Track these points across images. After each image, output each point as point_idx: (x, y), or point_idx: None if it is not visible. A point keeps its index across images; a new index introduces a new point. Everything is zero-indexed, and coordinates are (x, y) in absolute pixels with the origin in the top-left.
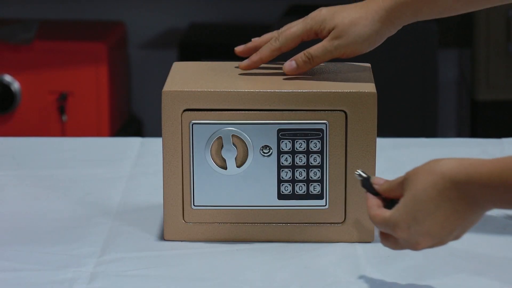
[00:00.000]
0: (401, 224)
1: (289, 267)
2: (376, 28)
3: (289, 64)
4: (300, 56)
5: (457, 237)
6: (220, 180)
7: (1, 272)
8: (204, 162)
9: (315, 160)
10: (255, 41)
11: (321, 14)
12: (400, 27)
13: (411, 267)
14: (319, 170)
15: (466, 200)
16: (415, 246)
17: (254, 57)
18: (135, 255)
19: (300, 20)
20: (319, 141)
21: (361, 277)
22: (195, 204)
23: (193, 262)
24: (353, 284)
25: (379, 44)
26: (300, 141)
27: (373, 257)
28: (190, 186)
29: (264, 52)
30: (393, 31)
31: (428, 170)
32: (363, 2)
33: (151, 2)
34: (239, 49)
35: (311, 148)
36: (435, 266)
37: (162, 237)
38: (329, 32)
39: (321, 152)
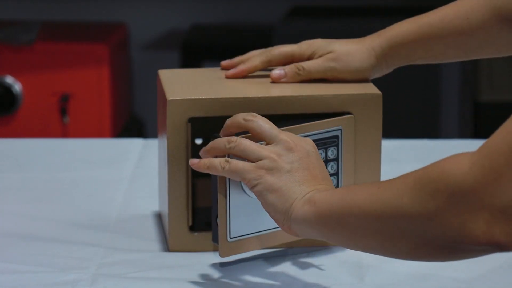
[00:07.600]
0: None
1: (291, 268)
2: (371, 62)
3: (278, 72)
4: (291, 67)
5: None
6: None
7: (3, 274)
8: None
9: (332, 168)
10: (240, 57)
11: (317, 41)
12: (393, 68)
13: (413, 269)
14: (335, 178)
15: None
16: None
17: (242, 66)
18: (137, 257)
19: (295, 44)
20: (335, 148)
21: (364, 279)
22: None
23: (194, 264)
24: (355, 286)
25: (369, 79)
26: (320, 150)
27: (376, 259)
28: None
29: (252, 62)
30: (385, 71)
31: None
32: (359, 38)
33: (153, 4)
34: (224, 63)
35: (328, 157)
36: (437, 268)
37: (164, 239)
38: (323, 55)
39: (336, 160)
